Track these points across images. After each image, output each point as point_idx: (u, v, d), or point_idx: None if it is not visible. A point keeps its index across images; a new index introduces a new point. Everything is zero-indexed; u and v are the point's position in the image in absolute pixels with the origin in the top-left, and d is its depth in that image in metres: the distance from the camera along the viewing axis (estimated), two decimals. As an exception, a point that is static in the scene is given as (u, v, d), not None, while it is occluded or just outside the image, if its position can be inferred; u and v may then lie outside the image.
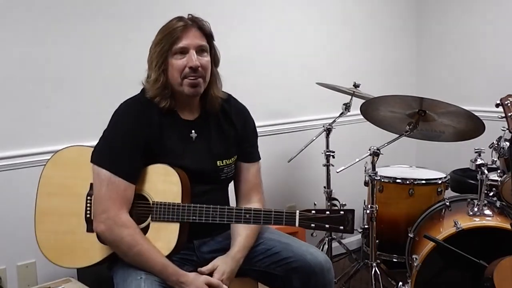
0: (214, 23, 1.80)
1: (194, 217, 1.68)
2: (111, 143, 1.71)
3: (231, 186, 1.94)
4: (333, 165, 2.81)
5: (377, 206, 2.44)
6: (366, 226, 2.57)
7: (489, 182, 2.35)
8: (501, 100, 2.03)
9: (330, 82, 2.84)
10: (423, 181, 2.74)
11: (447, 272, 2.30)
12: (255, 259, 1.81)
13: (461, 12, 3.56)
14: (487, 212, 2.29)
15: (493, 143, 2.33)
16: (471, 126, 2.40)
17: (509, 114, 1.99)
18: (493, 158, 2.35)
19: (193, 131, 1.80)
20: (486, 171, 2.28)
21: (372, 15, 3.51)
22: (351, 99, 2.78)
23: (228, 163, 1.84)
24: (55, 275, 2.12)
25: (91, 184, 1.72)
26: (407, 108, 2.50)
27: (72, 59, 2.32)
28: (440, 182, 2.76)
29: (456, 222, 2.22)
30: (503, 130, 2.22)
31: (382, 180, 2.75)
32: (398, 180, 2.75)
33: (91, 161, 1.70)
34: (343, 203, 2.70)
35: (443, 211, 2.48)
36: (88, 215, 1.73)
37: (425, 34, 3.78)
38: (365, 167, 2.66)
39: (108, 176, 1.65)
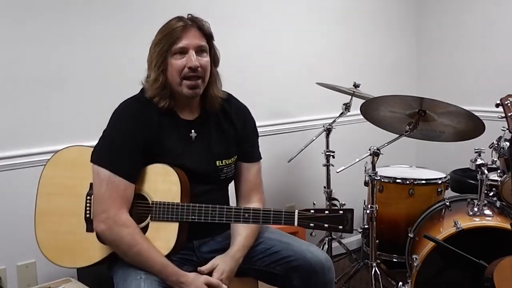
0: (214, 23, 1.80)
1: (193, 217, 1.68)
2: (110, 142, 1.71)
3: (231, 186, 1.94)
4: (333, 165, 2.81)
5: (377, 206, 2.44)
6: (366, 226, 2.57)
7: (489, 182, 2.35)
8: (501, 100, 2.03)
9: (330, 82, 2.84)
10: (423, 181, 2.74)
11: (447, 272, 2.30)
12: (255, 259, 1.81)
13: (461, 12, 3.56)
14: (487, 212, 2.29)
15: (493, 143, 2.33)
16: (471, 126, 2.39)
17: (509, 114, 1.99)
18: (493, 158, 2.35)
19: (192, 131, 1.80)
20: (486, 171, 2.28)
21: (372, 15, 3.51)
22: (351, 99, 2.78)
23: (227, 163, 1.84)
24: (55, 275, 2.12)
25: (91, 184, 1.72)
26: (407, 108, 2.50)
27: (72, 59, 2.32)
28: (440, 182, 2.76)
29: (456, 222, 2.22)
30: (503, 130, 2.22)
31: (382, 180, 2.75)
32: (398, 180, 2.75)
33: (91, 161, 1.70)
34: (343, 203, 2.70)
35: (443, 211, 2.47)
36: (87, 215, 1.73)
37: (425, 34, 3.78)
38: (365, 167, 2.66)
39: (108, 176, 1.65)
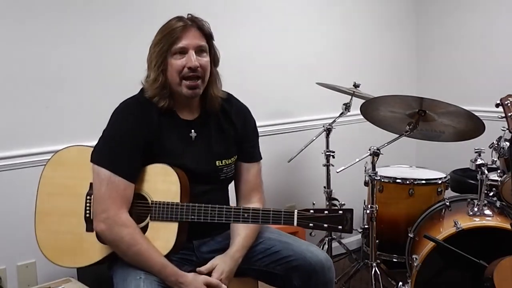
0: (214, 23, 1.80)
1: (192, 217, 1.68)
2: (110, 142, 1.71)
3: (231, 186, 1.94)
4: (333, 165, 2.81)
5: (377, 206, 2.44)
6: (366, 226, 2.57)
7: (489, 182, 2.35)
8: (501, 100, 2.03)
9: (330, 82, 2.84)
10: (423, 181, 2.74)
11: (447, 272, 2.30)
12: (254, 259, 1.81)
13: (461, 12, 3.56)
14: (487, 212, 2.29)
15: (493, 143, 2.33)
16: (471, 126, 2.39)
17: (509, 114, 1.99)
18: (493, 158, 2.35)
19: (192, 131, 1.80)
20: (486, 171, 2.28)
21: (372, 15, 3.51)
22: (351, 99, 2.78)
23: (227, 163, 1.84)
24: (55, 275, 2.12)
25: (91, 184, 1.72)
26: (407, 108, 2.50)
27: (72, 59, 2.32)
28: (440, 182, 2.76)
29: (456, 222, 2.22)
30: (503, 130, 2.22)
31: (382, 180, 2.75)
32: (398, 180, 2.75)
33: (91, 161, 1.70)
34: (342, 202, 2.70)
35: (443, 211, 2.47)
36: (87, 215, 1.73)
37: (425, 34, 3.78)
38: (365, 167, 2.66)
39: (107, 176, 1.65)
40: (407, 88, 3.59)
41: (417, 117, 2.45)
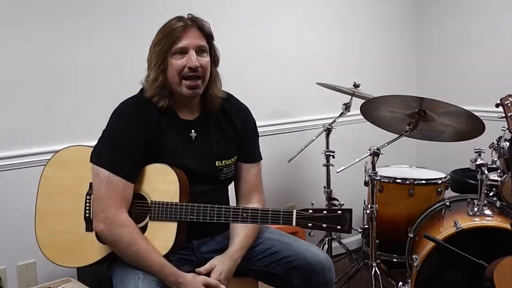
0: (214, 23, 1.80)
1: (191, 217, 1.68)
2: (110, 142, 1.71)
3: (231, 186, 1.94)
4: (333, 165, 2.81)
5: (377, 206, 2.44)
6: (366, 226, 2.57)
7: (489, 182, 2.34)
8: (501, 100, 2.03)
9: (330, 82, 2.84)
10: (423, 181, 2.74)
11: (447, 272, 2.30)
12: (254, 259, 1.81)
13: (461, 12, 3.56)
14: (487, 212, 2.29)
15: (493, 143, 2.33)
16: (471, 126, 2.39)
17: (509, 114, 1.99)
18: (493, 158, 2.35)
19: (192, 131, 1.80)
20: (486, 171, 2.28)
21: (372, 15, 3.51)
22: (351, 99, 2.78)
23: (227, 163, 1.84)
24: (55, 275, 2.12)
25: (91, 184, 1.72)
26: (407, 108, 2.50)
27: (72, 59, 2.32)
28: (440, 182, 2.76)
29: (456, 222, 2.22)
30: (503, 130, 2.22)
31: (382, 180, 2.75)
32: (398, 180, 2.75)
33: (91, 161, 1.70)
34: (342, 203, 2.70)
35: (443, 211, 2.47)
36: (87, 215, 1.74)
37: (425, 34, 3.77)
38: (365, 167, 2.66)
39: (107, 176, 1.65)
40: (407, 88, 3.59)
41: (417, 117, 2.45)
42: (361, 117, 2.71)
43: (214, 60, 1.81)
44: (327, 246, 2.91)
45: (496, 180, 2.43)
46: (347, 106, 2.79)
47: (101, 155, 1.69)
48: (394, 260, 2.78)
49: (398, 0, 3.68)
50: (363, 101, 2.62)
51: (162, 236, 1.68)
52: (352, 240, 3.39)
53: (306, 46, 3.16)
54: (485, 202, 2.33)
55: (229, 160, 1.85)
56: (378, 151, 2.36)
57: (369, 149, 2.37)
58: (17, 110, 2.21)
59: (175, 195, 1.68)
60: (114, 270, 1.72)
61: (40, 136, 2.26)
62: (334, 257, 2.99)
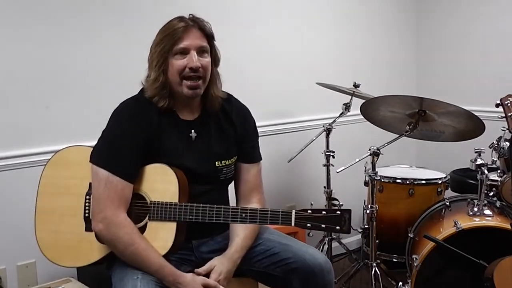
0: (214, 23, 1.80)
1: (190, 217, 1.68)
2: (109, 143, 1.71)
3: (231, 186, 1.94)
4: (333, 165, 2.81)
5: (377, 206, 2.44)
6: (366, 226, 2.57)
7: (489, 182, 2.35)
8: (501, 100, 2.03)
9: (330, 82, 2.84)
10: (423, 181, 2.74)
11: (447, 272, 2.30)
12: (254, 260, 1.81)
13: (461, 12, 3.56)
14: (487, 212, 2.29)
15: (493, 143, 2.33)
16: (471, 126, 2.39)
17: (509, 114, 1.99)
18: (493, 158, 2.35)
19: (192, 131, 1.80)
20: (486, 171, 2.28)
21: (372, 15, 3.51)
22: (351, 99, 2.78)
23: (227, 163, 1.84)
24: (55, 275, 2.12)
25: (91, 184, 1.72)
26: (407, 108, 2.50)
27: (72, 59, 2.32)
28: (440, 182, 2.76)
29: (456, 222, 2.22)
30: (503, 130, 2.22)
31: (382, 180, 2.76)
32: (398, 180, 2.75)
33: (90, 161, 1.70)
34: (341, 203, 2.70)
35: (443, 211, 2.47)
36: (86, 215, 1.74)
37: (425, 34, 3.77)
38: (365, 167, 2.66)
39: (106, 176, 1.65)
40: (407, 88, 3.59)
41: (417, 117, 2.45)
42: (361, 117, 2.71)
43: (215, 60, 1.81)
44: (327, 246, 2.91)
45: (496, 180, 2.43)
46: (347, 106, 2.79)
47: (101, 155, 1.69)
48: (394, 260, 2.78)
49: (398, 0, 3.68)
50: (363, 101, 2.62)
51: (161, 236, 1.68)
52: (352, 240, 3.39)
53: (306, 46, 3.16)
54: (485, 202, 2.33)
55: (229, 160, 1.85)
56: (378, 151, 2.36)
57: (369, 149, 2.37)
58: (17, 110, 2.21)
59: (174, 195, 1.68)
60: (113, 270, 1.72)
61: (40, 136, 2.26)
62: (334, 257, 2.99)
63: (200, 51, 1.73)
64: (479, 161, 2.29)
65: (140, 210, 1.71)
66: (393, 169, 2.99)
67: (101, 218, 1.65)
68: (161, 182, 1.70)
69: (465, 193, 2.66)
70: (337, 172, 2.25)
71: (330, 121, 2.85)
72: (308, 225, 1.63)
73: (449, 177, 2.85)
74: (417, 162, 3.70)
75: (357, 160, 2.30)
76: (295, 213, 1.64)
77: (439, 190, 2.76)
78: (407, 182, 2.72)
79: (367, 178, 2.52)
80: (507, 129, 2.01)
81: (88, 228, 1.72)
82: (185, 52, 1.71)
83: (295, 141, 3.00)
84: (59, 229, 1.75)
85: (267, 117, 2.98)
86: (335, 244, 2.98)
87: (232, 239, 1.79)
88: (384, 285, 2.51)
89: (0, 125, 2.17)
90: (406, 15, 3.75)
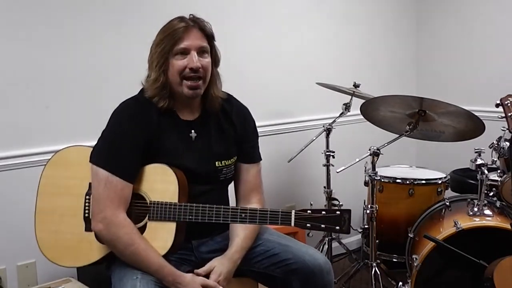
0: (214, 23, 1.80)
1: (190, 217, 1.68)
2: (109, 143, 1.71)
3: (231, 187, 1.94)
4: (333, 165, 2.81)
5: (377, 206, 2.44)
6: (366, 226, 2.57)
7: (489, 182, 2.35)
8: (501, 100, 2.03)
9: (330, 82, 2.84)
10: (423, 181, 2.74)
11: (447, 272, 2.30)
12: (254, 260, 1.81)
13: (461, 12, 3.56)
14: (487, 212, 2.29)
15: (493, 143, 2.33)
16: (471, 126, 2.39)
17: (509, 114, 1.99)
18: (493, 158, 2.35)
19: (192, 131, 1.80)
20: (486, 171, 2.28)
21: (372, 15, 3.51)
22: (351, 99, 2.78)
23: (227, 164, 1.84)
24: (55, 275, 2.12)
25: (90, 184, 1.72)
26: (407, 108, 2.50)
27: (72, 59, 2.32)
28: (440, 182, 2.76)
29: (456, 222, 2.22)
30: (503, 130, 2.22)
31: (382, 180, 2.76)
32: (398, 180, 2.75)
33: (90, 161, 1.70)
34: (341, 203, 2.70)
35: (443, 211, 2.47)
36: (86, 215, 1.74)
37: (425, 34, 3.78)
38: (365, 167, 2.66)
39: (105, 176, 1.65)
40: (407, 88, 3.59)
41: (417, 117, 2.45)
42: (361, 117, 2.71)
43: (215, 61, 1.81)
44: (327, 246, 2.91)
45: (496, 180, 2.43)
46: (347, 106, 2.79)
47: (100, 155, 1.69)
48: (394, 260, 2.78)
49: (398, 0, 3.68)
50: (363, 101, 2.62)
51: (161, 236, 1.68)
52: (352, 240, 3.39)
53: (306, 46, 3.16)
54: (485, 202, 2.33)
55: (229, 161, 1.85)
56: (378, 151, 2.36)
57: (369, 149, 2.37)
58: (17, 110, 2.21)
59: (174, 195, 1.68)
60: (113, 270, 1.72)
61: (40, 136, 2.26)
62: (334, 257, 2.99)
63: (201, 52, 1.73)
64: (479, 161, 2.29)
65: (139, 210, 1.71)
66: (393, 169, 2.99)
67: (100, 218, 1.65)
68: (161, 182, 1.70)
69: (465, 193, 2.66)
70: (337, 172, 2.25)
71: (330, 121, 2.85)
72: (308, 225, 1.63)
73: (449, 177, 2.85)
74: (417, 162, 3.70)
75: (357, 160, 2.30)
76: (295, 213, 1.64)
77: (439, 190, 2.76)
78: (407, 182, 2.72)
79: (367, 178, 2.52)
80: (507, 129, 2.01)
81: (88, 228, 1.72)
82: (185, 52, 1.71)
83: (295, 141, 3.00)
84: (59, 229, 1.75)
85: (267, 117, 2.98)
86: (335, 244, 2.98)
87: (232, 240, 1.79)
88: (384, 285, 2.51)
89: (0, 125, 2.17)
90: (406, 15, 3.75)
